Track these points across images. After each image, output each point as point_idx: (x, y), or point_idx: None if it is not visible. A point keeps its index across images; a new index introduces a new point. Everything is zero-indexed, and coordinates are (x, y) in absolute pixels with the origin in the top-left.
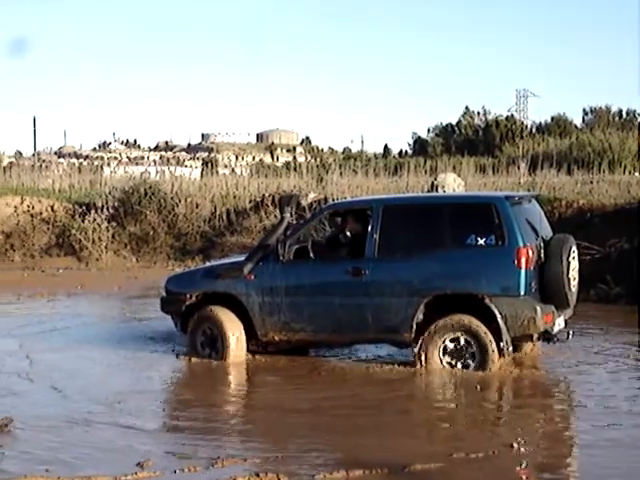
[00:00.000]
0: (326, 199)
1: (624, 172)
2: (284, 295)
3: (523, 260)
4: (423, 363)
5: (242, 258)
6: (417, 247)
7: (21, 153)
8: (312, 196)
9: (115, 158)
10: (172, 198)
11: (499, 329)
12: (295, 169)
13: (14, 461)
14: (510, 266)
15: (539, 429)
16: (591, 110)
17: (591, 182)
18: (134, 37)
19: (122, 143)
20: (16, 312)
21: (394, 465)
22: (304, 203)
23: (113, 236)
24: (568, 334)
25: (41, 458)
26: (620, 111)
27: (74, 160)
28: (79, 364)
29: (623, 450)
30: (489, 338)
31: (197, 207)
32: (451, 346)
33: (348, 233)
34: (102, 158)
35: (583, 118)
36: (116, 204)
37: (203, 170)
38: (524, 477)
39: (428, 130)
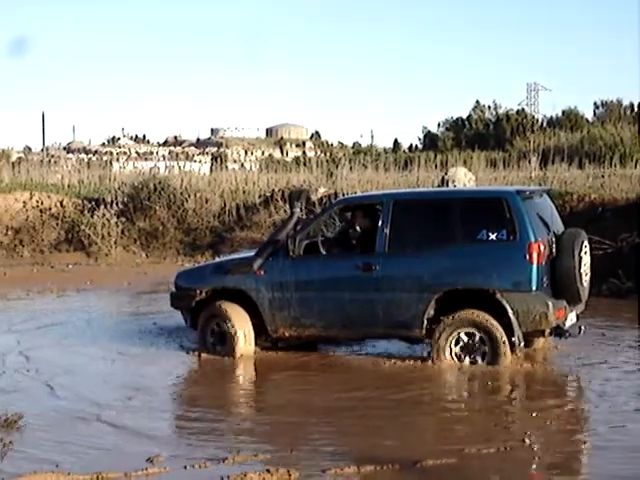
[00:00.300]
0: (336, 194)
1: (636, 166)
2: (294, 290)
3: (535, 255)
4: (434, 358)
5: (252, 253)
6: (428, 242)
7: (30, 148)
8: (322, 191)
9: (124, 153)
10: (181, 193)
11: (511, 324)
12: (305, 164)
13: (24, 457)
14: (521, 261)
15: (551, 425)
16: (602, 104)
17: (602, 176)
18: (143, 33)
19: (131, 138)
20: (26, 307)
21: (405, 460)
22: (314, 198)
23: (122, 231)
24: (580, 329)
25: (51, 454)
26: (632, 105)
27: (83, 155)
28: (90, 360)
29: (634, 446)
30: (501, 333)
31: (206, 202)
32: (462, 341)
33: (358, 228)
34: (111, 153)
35: (594, 112)
36: (125, 199)
37: (212, 165)
38: (536, 473)
39: (438, 124)
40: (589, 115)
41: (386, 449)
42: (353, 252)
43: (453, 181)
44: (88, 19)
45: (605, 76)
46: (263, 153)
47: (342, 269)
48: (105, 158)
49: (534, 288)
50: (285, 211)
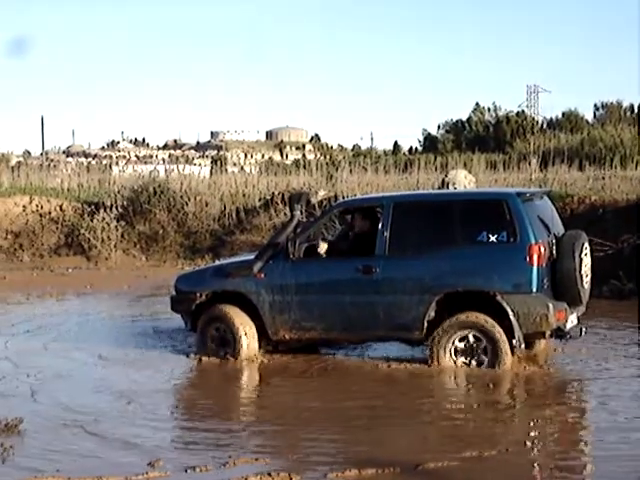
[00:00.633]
0: (336, 197)
1: (636, 168)
2: (294, 293)
3: (535, 257)
4: (435, 361)
5: (252, 256)
6: (428, 244)
7: (29, 152)
8: (322, 194)
9: (124, 157)
10: (181, 197)
11: (511, 326)
12: (304, 167)
13: (24, 461)
14: (522, 263)
15: (552, 427)
16: (602, 105)
17: (603, 178)
18: (142, 37)
19: (131, 142)
20: (26, 311)
21: (406, 464)
22: (314, 201)
23: (122, 235)
24: (581, 331)
25: (51, 458)
26: (632, 106)
27: (82, 159)
28: (90, 363)
29: (636, 447)
30: (501, 335)
31: (206, 205)
32: (463, 344)
33: (358, 231)
34: (111, 157)
35: (594, 113)
36: (125, 203)
37: (212, 168)
38: (537, 475)
39: (438, 126)
40: (589, 117)
41: (387, 452)
42: (353, 255)
43: (453, 183)
44: (87, 23)
45: (605, 78)
46: (263, 156)
47: (342, 272)
48: (105, 162)
49: (534, 290)
50: (285, 214)
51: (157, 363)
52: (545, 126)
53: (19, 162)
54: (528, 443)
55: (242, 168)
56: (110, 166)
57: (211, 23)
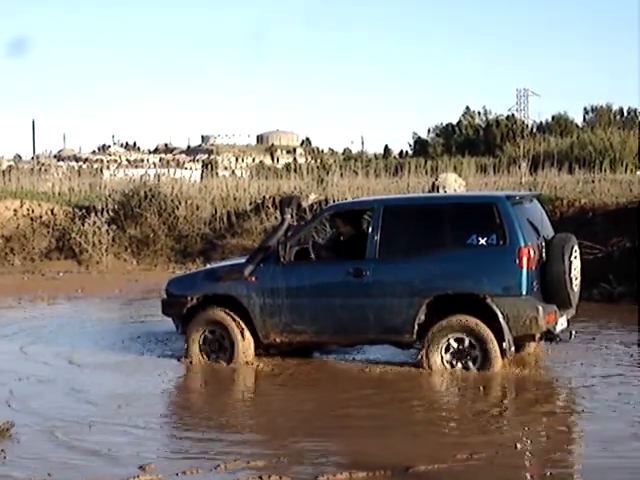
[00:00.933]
0: (327, 200)
1: (626, 171)
2: (285, 297)
3: (524, 260)
4: (425, 364)
5: (243, 260)
6: (418, 247)
7: (20, 156)
8: (313, 197)
9: (115, 161)
10: (172, 200)
11: (501, 329)
12: (295, 170)
13: (16, 466)
14: (511, 266)
15: (542, 430)
16: (592, 109)
17: (593, 181)
18: (133, 41)
19: (121, 146)
20: (16, 315)
21: (397, 466)
22: (305, 204)
23: (113, 239)
24: (571, 334)
25: (43, 462)
26: (621, 110)
27: (73, 163)
28: (80, 367)
29: (626, 448)
30: (491, 338)
31: (197, 209)
32: (453, 347)
33: (349, 234)
34: (102, 161)
35: (584, 117)
36: (116, 207)
37: (203, 172)
38: (527, 478)
39: (428, 130)
40: (579, 120)
41: (378, 455)
42: (344, 258)
43: (443, 187)
44: (78, 26)
45: (595, 81)
46: (254, 160)
47: (333, 275)
48: (96, 166)
49: (524, 292)
50: (276, 218)
51: (148, 367)
52: (535, 129)
53: (10, 166)
54: (519, 446)
55: (233, 172)
56: (101, 170)
57: (201, 27)
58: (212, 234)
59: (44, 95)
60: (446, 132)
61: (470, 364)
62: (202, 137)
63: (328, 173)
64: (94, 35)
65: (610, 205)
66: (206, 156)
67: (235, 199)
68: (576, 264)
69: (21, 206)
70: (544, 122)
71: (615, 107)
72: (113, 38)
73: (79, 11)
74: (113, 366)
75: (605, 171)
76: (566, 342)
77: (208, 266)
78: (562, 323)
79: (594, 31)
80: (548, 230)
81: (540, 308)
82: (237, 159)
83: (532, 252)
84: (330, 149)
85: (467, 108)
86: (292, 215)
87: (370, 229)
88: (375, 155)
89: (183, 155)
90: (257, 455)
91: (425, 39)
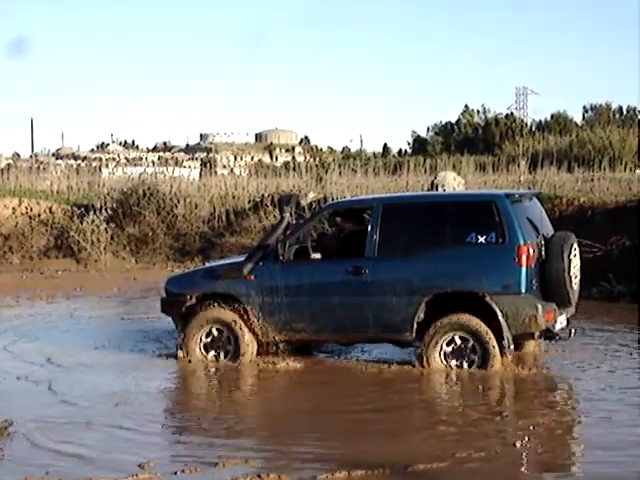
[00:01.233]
0: (325, 199)
1: (625, 169)
2: (284, 295)
3: (524, 258)
4: (424, 362)
5: (242, 258)
6: (417, 246)
7: (19, 155)
8: (311, 196)
9: (113, 159)
10: (171, 199)
11: (500, 327)
12: (294, 169)
13: (14, 464)
14: (511, 264)
15: (541, 428)
16: (591, 107)
17: (592, 180)
18: (132, 39)
19: (120, 144)
20: (14, 313)
21: (396, 465)
22: (303, 203)
23: (112, 237)
24: (570, 332)
25: (40, 460)
26: (620, 108)
27: (72, 161)
28: (78, 367)
29: (624, 449)
30: (490, 337)
31: (196, 208)
32: (452, 345)
33: (348, 232)
34: (100, 159)
35: (583, 115)
36: (114, 205)
37: (202, 170)
38: (526, 476)
39: (428, 129)
40: (578, 119)
41: (377, 453)
42: (343, 256)
43: (442, 185)
44: (77, 25)
45: (594, 79)
46: (252, 158)
47: (332, 273)
48: (94, 164)
49: (523, 291)
50: (275, 216)
51: (146, 365)
52: (534, 128)
53: (8, 164)
54: (517, 444)
55: (232, 170)
56: (100, 168)
57: (201, 27)
58: (211, 232)
59: (43, 93)
60: (445, 130)
61: (469, 362)
62: (201, 135)
63: (327, 172)
64: (93, 34)
65: (609, 204)
66: (205, 154)
67: (234, 197)
68: (575, 262)
69: (20, 204)
70: (543, 121)
71: (614, 106)
72: (112, 37)
73: (78, 11)
74: (111, 365)
75: (604, 170)
76: (566, 340)
77: (207, 265)
78: (561, 321)
79: (593, 30)
80: (547, 228)
81: (539, 306)
82: (236, 157)
83: (531, 250)
84: (329, 147)
85: (466, 107)
86: (291, 213)
87: (369, 227)
88: (374, 153)
89: (182, 153)
90: (255, 454)
91: (424, 38)
